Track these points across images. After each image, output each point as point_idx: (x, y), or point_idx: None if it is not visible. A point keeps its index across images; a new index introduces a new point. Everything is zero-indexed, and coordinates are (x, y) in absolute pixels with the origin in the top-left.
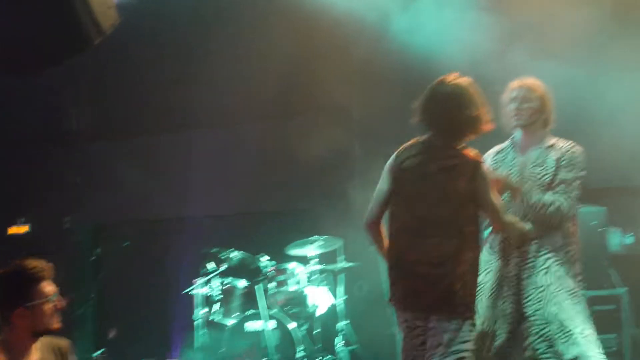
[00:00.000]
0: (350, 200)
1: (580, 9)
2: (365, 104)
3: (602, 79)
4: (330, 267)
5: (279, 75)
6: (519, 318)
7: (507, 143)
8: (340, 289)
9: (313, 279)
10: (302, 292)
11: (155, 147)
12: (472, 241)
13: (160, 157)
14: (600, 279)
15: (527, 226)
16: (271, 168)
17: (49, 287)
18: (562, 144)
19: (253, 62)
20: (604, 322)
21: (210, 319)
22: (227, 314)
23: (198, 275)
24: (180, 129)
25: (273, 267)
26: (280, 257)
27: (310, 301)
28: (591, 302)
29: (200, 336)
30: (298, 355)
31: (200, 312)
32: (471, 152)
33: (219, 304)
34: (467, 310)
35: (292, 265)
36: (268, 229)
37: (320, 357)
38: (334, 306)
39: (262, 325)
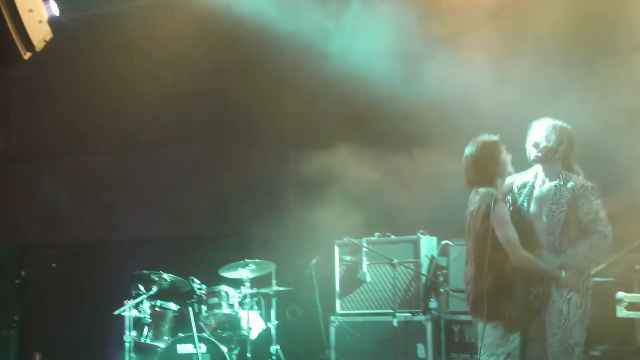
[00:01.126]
0: (284, 225)
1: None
2: (300, 128)
3: None
4: (262, 290)
5: (211, 98)
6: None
7: (529, 174)
8: (273, 313)
9: (245, 303)
10: (235, 315)
11: (84, 168)
12: (492, 265)
13: (88, 178)
14: None
15: (563, 274)
16: (203, 191)
17: None
18: (575, 180)
19: (184, 85)
20: None
21: (142, 341)
22: (157, 336)
23: (128, 297)
24: (109, 150)
25: (204, 291)
26: (212, 281)
27: (242, 325)
28: None
29: (130, 359)
30: None
31: (130, 334)
32: (487, 193)
33: (149, 326)
34: (487, 315)
35: (224, 289)
36: (199, 252)
37: None
38: (266, 330)
39: (193, 348)
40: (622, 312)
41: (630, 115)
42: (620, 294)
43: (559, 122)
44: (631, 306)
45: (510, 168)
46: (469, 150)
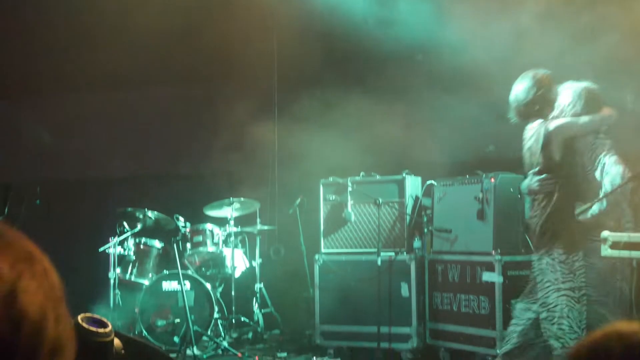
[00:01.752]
0: (269, 164)
1: None
2: (284, 65)
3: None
4: (247, 229)
5: (195, 37)
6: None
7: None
8: (257, 252)
9: (229, 241)
10: (219, 253)
11: (68, 105)
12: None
13: (74, 117)
14: (516, 245)
15: None
16: (188, 130)
17: None
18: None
19: (165, 23)
20: (519, 287)
21: (126, 278)
22: (142, 273)
23: (113, 234)
24: (92, 88)
25: (189, 229)
26: (197, 219)
27: (227, 263)
28: (508, 266)
29: (115, 295)
30: (214, 315)
31: (115, 272)
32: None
33: (133, 263)
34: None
35: (209, 227)
36: (184, 191)
37: (235, 319)
38: (250, 269)
39: (178, 285)
40: (605, 252)
41: None
42: (605, 233)
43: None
44: (615, 245)
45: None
46: (523, 85)
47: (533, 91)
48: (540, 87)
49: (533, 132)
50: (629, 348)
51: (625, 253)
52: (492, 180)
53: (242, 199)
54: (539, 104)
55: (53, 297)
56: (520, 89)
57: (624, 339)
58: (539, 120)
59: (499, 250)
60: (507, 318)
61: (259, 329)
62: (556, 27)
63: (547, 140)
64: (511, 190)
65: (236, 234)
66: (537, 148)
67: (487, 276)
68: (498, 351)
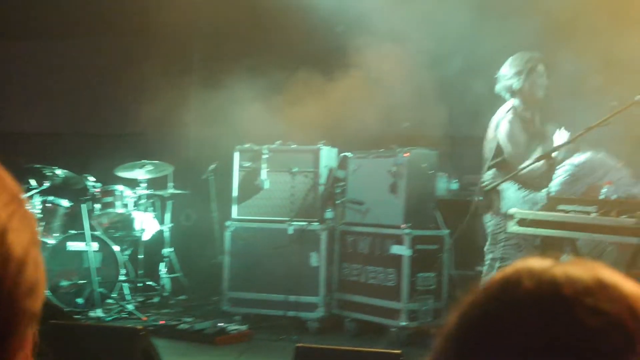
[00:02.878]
0: (184, 128)
1: None
2: (205, 26)
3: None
4: (158, 192)
5: None
6: None
7: None
8: (168, 216)
9: (140, 204)
10: (128, 215)
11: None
12: None
13: None
14: (426, 220)
15: None
16: (100, 88)
17: None
18: None
19: None
20: (426, 261)
21: None
22: (47, 232)
23: None
24: (3, 40)
25: (99, 189)
26: (107, 179)
27: (136, 226)
28: (416, 241)
29: None
30: (120, 278)
31: None
32: None
33: (39, 222)
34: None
35: (119, 188)
36: (96, 150)
37: (142, 282)
38: (159, 232)
39: (85, 246)
40: (512, 228)
41: None
42: (512, 210)
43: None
44: (521, 222)
45: None
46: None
47: (513, 70)
48: (522, 69)
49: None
50: (539, 284)
51: (530, 230)
52: (406, 155)
53: (155, 161)
54: (514, 84)
55: (34, 240)
56: (506, 65)
57: (534, 274)
58: (504, 109)
59: (409, 224)
60: (413, 291)
61: (166, 294)
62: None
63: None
64: (424, 165)
65: (147, 197)
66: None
67: (395, 249)
68: (402, 323)
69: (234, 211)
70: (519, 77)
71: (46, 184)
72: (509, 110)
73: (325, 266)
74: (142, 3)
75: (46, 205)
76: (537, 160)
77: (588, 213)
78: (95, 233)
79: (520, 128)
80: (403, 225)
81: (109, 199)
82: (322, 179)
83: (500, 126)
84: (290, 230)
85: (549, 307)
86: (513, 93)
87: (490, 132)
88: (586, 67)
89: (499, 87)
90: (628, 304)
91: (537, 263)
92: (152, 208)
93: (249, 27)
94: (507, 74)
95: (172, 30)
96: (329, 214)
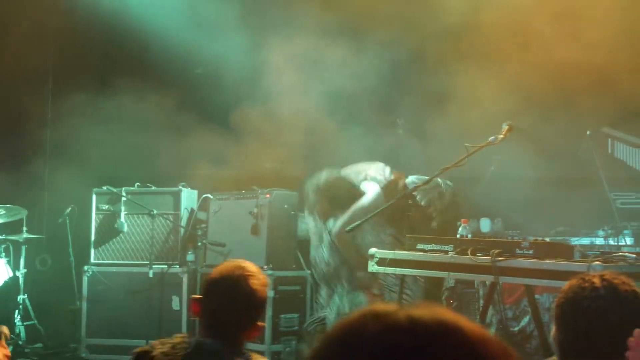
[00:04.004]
0: (38, 171)
1: None
2: (61, 67)
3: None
4: (11, 237)
5: None
6: None
7: None
8: (22, 261)
9: None
10: None
11: None
12: None
13: None
14: (288, 261)
15: None
16: None
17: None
18: None
19: None
20: (288, 302)
21: None
22: None
23: None
24: None
25: None
26: None
27: None
28: (279, 282)
29: None
30: None
31: None
32: None
33: None
34: None
35: None
36: None
37: None
38: (13, 279)
39: None
40: (372, 267)
41: None
42: (372, 250)
43: None
44: (381, 262)
45: None
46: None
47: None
48: None
49: None
50: (385, 328)
51: (390, 270)
52: (267, 196)
53: (7, 205)
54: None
55: None
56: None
57: (380, 318)
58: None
59: (270, 265)
60: (276, 332)
61: (20, 342)
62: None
63: None
64: (285, 206)
65: (0, 242)
66: None
67: None
68: None
69: (92, 255)
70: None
71: None
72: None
73: (187, 309)
74: None
75: None
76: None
77: (446, 252)
78: None
79: None
80: (265, 267)
81: None
82: (183, 221)
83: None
84: (151, 274)
85: (394, 354)
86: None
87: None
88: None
89: None
90: (471, 349)
91: (382, 307)
92: (5, 254)
93: (109, 67)
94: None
95: (24, 65)
96: (190, 256)
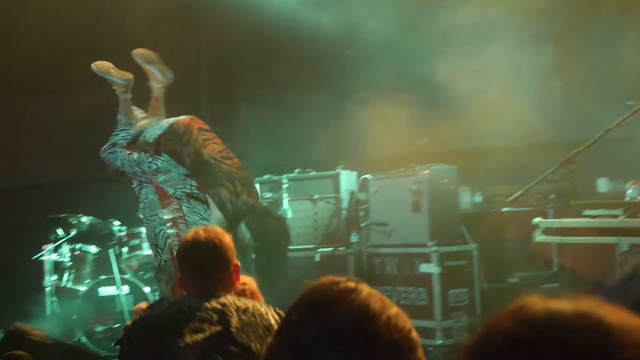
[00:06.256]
0: None
1: None
2: (216, 66)
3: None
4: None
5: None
6: None
7: None
8: None
9: None
10: None
11: None
12: None
13: None
14: (452, 236)
15: None
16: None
17: None
18: None
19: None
20: (456, 277)
21: (62, 285)
22: (78, 280)
23: (47, 242)
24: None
25: (124, 232)
26: (132, 222)
27: None
28: (445, 257)
29: (52, 303)
30: None
31: (50, 279)
32: None
33: (69, 270)
34: None
35: (145, 230)
36: (117, 195)
37: None
38: None
39: (115, 290)
40: (539, 237)
41: None
42: (537, 220)
43: None
44: (547, 231)
45: None
46: None
47: None
48: None
49: None
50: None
51: (556, 239)
52: (426, 172)
53: None
54: None
55: None
56: None
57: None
58: None
59: (435, 242)
60: (446, 308)
61: None
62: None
63: None
64: (445, 181)
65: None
66: None
67: (424, 267)
68: (438, 341)
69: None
70: None
71: (73, 232)
72: None
73: None
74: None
75: (75, 253)
76: None
77: (615, 217)
78: (125, 276)
79: None
80: (429, 243)
81: (135, 242)
82: (344, 203)
83: None
84: (317, 257)
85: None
86: None
87: None
88: None
89: None
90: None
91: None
92: None
93: (259, 59)
94: None
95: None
96: (354, 237)
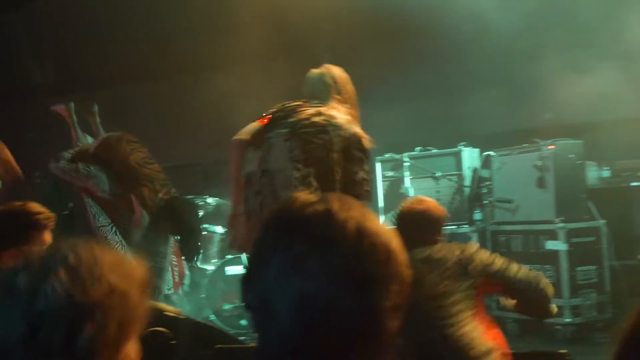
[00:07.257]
0: None
1: None
2: (338, 35)
3: None
4: None
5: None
6: None
7: None
8: None
9: None
10: None
11: (127, 98)
12: None
13: (124, 109)
14: (579, 212)
15: None
16: (236, 116)
17: (48, 237)
18: None
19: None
20: (584, 254)
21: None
22: (205, 259)
23: None
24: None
25: None
26: None
27: None
28: (572, 234)
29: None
30: None
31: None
32: None
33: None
34: None
35: None
36: None
37: None
38: None
39: (242, 269)
40: None
41: None
42: None
43: None
44: None
45: None
46: None
47: None
48: None
49: None
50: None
51: None
52: (551, 147)
53: None
54: None
55: None
56: None
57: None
58: None
59: (562, 218)
60: (574, 286)
61: None
62: None
63: None
64: (571, 156)
65: None
66: None
67: (551, 244)
68: (566, 320)
69: (381, 220)
70: None
71: (200, 214)
72: None
73: None
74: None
75: (202, 233)
76: None
77: None
78: None
79: None
80: (556, 220)
81: None
82: (467, 181)
83: None
84: None
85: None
86: None
87: None
88: None
89: None
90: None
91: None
92: None
93: (376, 36)
94: None
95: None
96: (477, 215)
